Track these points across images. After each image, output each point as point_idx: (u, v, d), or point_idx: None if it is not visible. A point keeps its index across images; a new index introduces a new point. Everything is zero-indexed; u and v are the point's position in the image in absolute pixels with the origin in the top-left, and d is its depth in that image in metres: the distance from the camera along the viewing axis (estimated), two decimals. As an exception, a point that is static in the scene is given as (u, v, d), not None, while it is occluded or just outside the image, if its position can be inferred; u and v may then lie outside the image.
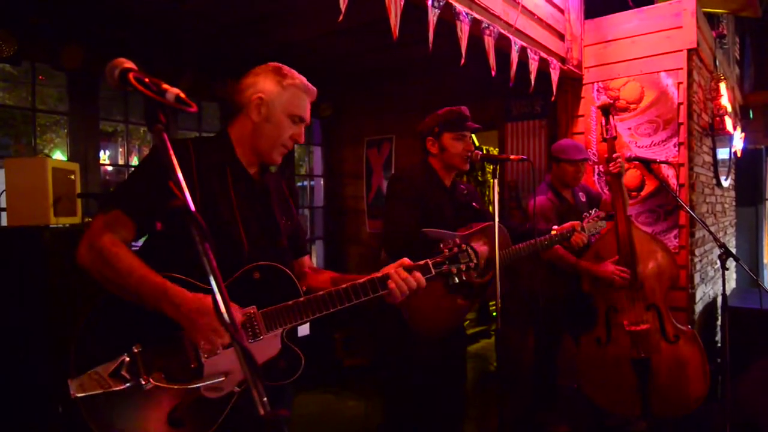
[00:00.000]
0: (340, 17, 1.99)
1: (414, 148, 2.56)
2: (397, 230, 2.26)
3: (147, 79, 0.91)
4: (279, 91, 1.48)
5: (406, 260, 1.51)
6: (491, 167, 2.32)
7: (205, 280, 1.20)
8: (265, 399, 0.77)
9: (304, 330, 4.95)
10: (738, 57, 5.80)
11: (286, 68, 1.54)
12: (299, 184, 5.99)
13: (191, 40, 3.86)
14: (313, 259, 5.68)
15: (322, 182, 5.72)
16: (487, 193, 5.62)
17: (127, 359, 1.22)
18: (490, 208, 2.31)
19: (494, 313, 5.91)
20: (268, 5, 3.32)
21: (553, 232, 2.57)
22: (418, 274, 1.49)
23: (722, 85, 4.07)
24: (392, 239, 2.29)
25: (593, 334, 2.98)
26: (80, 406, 1.22)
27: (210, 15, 3.45)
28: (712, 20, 4.47)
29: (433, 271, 1.52)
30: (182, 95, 0.89)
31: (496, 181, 2.17)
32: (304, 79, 1.54)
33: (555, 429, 3.20)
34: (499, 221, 2.11)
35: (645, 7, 3.71)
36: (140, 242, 1.46)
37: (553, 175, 3.17)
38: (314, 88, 1.56)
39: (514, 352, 4.06)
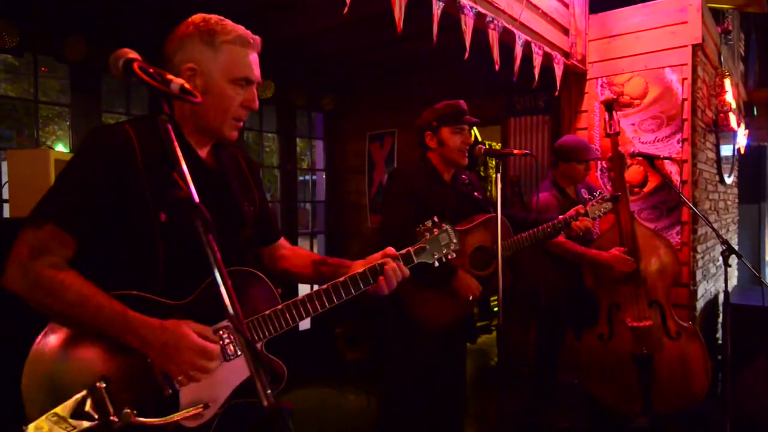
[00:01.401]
0: (345, 9, 1.98)
1: (416, 142, 2.56)
2: (394, 227, 2.26)
3: (152, 70, 0.90)
4: (211, 54, 1.22)
5: (390, 250, 1.42)
6: (494, 162, 2.32)
7: (166, 294, 1.16)
8: (269, 391, 0.76)
9: (304, 324, 4.96)
10: (743, 53, 5.77)
11: (214, 20, 1.25)
12: (301, 178, 5.98)
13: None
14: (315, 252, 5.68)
15: (324, 176, 5.72)
16: (489, 188, 5.61)
17: (90, 395, 1.05)
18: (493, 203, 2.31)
19: (495, 309, 5.91)
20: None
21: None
22: (401, 265, 1.40)
23: (727, 82, 4.05)
24: (390, 237, 2.29)
25: (596, 330, 2.99)
26: None
27: (213, 6, 3.43)
28: (718, 16, 4.45)
29: (415, 259, 1.44)
30: (187, 86, 0.88)
31: (498, 176, 2.16)
32: (240, 29, 1.27)
33: (555, 424, 3.21)
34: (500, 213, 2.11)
35: (650, 2, 3.69)
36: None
37: (559, 173, 3.14)
38: (257, 38, 1.30)
39: (515, 347, 4.06)
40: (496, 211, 2.10)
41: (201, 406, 1.14)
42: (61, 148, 7.39)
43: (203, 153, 1.32)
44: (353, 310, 5.00)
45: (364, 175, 5.39)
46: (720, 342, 4.06)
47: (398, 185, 2.36)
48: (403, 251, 1.43)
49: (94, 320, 1.07)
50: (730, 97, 4.07)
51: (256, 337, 1.23)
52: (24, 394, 1.08)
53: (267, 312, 1.25)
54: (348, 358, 4.54)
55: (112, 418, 1.04)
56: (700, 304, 3.74)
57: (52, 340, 1.12)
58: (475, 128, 2.50)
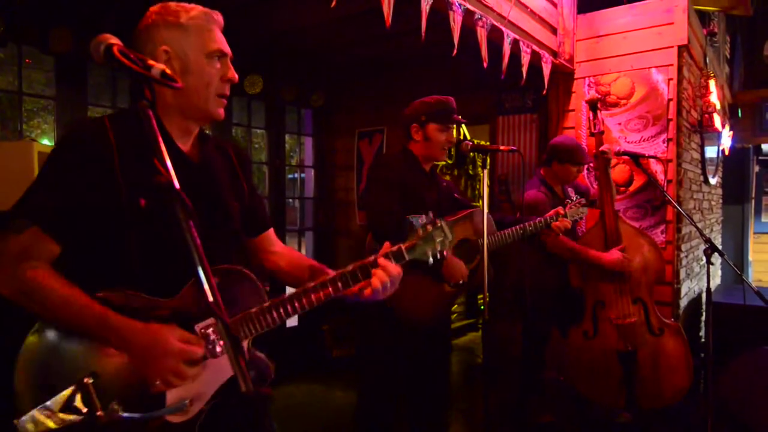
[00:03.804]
0: (333, 3, 1.97)
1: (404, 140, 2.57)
2: (383, 215, 2.26)
3: (132, 55, 0.90)
4: (182, 33, 1.22)
5: (387, 244, 1.38)
6: (481, 159, 2.34)
7: (155, 291, 1.15)
8: (247, 378, 0.76)
9: (292, 321, 4.95)
10: (728, 55, 5.85)
11: (172, 4, 1.25)
12: (290, 175, 5.96)
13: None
14: (303, 250, 5.66)
15: (312, 173, 5.70)
16: (477, 187, 5.63)
17: (79, 391, 1.07)
18: (480, 202, 2.32)
19: (482, 307, 5.94)
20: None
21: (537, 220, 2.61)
22: (390, 262, 1.34)
23: (712, 83, 4.10)
24: (379, 224, 2.29)
25: (581, 328, 3.02)
26: None
27: (204, 1, 3.41)
28: (704, 18, 4.50)
29: (407, 256, 1.36)
30: (168, 71, 0.88)
31: (486, 172, 2.17)
32: (200, 7, 1.27)
33: (540, 419, 3.24)
34: (487, 211, 2.12)
35: (637, 3, 3.73)
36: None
37: (551, 172, 3.14)
38: (218, 13, 1.29)
39: (501, 343, 4.08)
40: (482, 207, 2.11)
41: (187, 401, 1.14)
42: (46, 142, 7.30)
43: (186, 146, 1.30)
44: (340, 308, 5.00)
45: (353, 172, 5.38)
46: (703, 340, 4.11)
47: (383, 172, 2.37)
48: (395, 248, 1.37)
49: (77, 322, 1.09)
50: (714, 99, 4.12)
51: (243, 335, 1.21)
52: (15, 388, 1.11)
53: (254, 310, 1.23)
54: (335, 355, 4.54)
55: (98, 413, 1.06)
56: (683, 302, 3.78)
57: (42, 336, 1.14)
58: (464, 126, 2.51)
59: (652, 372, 2.89)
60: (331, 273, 1.32)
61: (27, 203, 1.12)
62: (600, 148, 2.97)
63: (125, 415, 1.07)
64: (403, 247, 1.36)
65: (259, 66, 4.71)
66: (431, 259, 1.39)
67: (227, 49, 1.28)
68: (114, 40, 0.93)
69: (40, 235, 1.09)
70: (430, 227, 1.40)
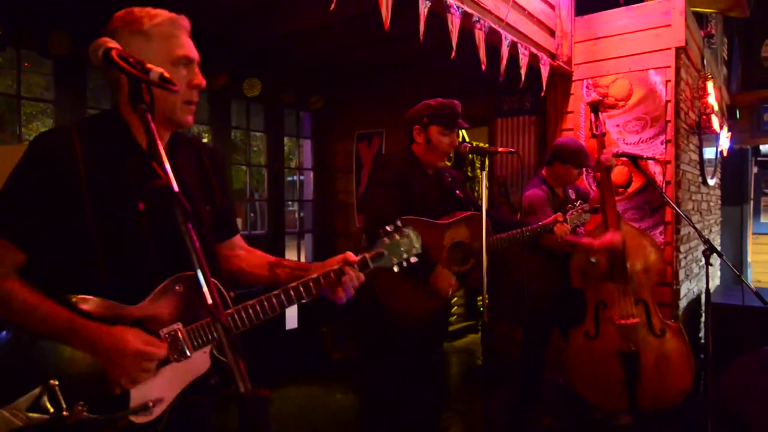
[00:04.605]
0: (332, 6, 1.98)
1: (404, 142, 2.57)
2: (378, 217, 2.27)
3: (131, 59, 0.90)
4: (144, 41, 1.19)
5: (349, 255, 1.40)
6: (479, 161, 2.35)
7: (122, 298, 1.18)
8: (246, 380, 0.76)
9: (291, 323, 4.95)
10: (726, 57, 5.86)
11: (137, 10, 1.22)
12: (289, 178, 5.96)
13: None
14: (302, 253, 5.66)
15: (311, 176, 5.71)
16: (476, 188, 5.63)
17: (46, 391, 1.12)
18: (479, 203, 2.32)
19: (482, 309, 5.93)
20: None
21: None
22: (354, 271, 1.37)
23: (709, 84, 4.11)
24: (372, 227, 2.30)
25: (582, 329, 3.01)
26: None
27: (201, 5, 3.42)
28: (701, 20, 4.51)
29: (371, 265, 1.41)
30: (166, 74, 0.88)
31: (484, 173, 2.18)
32: (165, 12, 1.24)
33: (539, 422, 3.23)
34: (485, 213, 2.12)
35: (635, 5, 3.74)
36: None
37: (552, 172, 3.14)
38: (184, 17, 1.26)
39: (502, 345, 4.08)
40: (480, 209, 2.11)
41: (151, 402, 1.18)
42: (45, 145, 7.29)
43: None
44: (340, 310, 4.99)
45: (352, 175, 5.39)
46: (703, 341, 4.11)
47: (383, 173, 2.37)
48: (359, 258, 1.40)
49: (43, 327, 1.12)
50: (712, 100, 4.13)
51: (202, 342, 1.23)
52: None
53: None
54: (335, 357, 4.54)
55: (64, 413, 1.11)
56: (683, 303, 3.78)
57: (11, 338, 1.18)
58: (462, 129, 2.51)
59: (654, 373, 2.89)
60: (288, 263, 1.38)
61: None
62: (600, 156, 2.95)
63: (90, 415, 1.11)
64: (367, 256, 1.41)
65: (258, 69, 4.71)
66: (396, 267, 1.44)
67: (194, 54, 1.26)
68: (113, 43, 0.93)
69: (6, 244, 1.14)
70: (396, 236, 1.43)
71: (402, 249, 1.43)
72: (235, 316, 1.26)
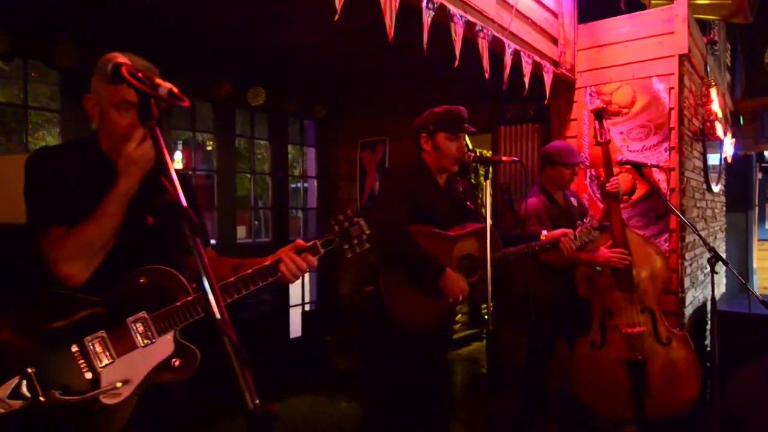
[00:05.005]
0: (336, 17, 2.00)
1: (408, 150, 2.57)
2: (387, 228, 2.27)
3: (140, 74, 0.91)
4: (102, 83, 1.35)
5: (300, 242, 1.53)
6: (483, 170, 2.35)
7: (93, 289, 1.30)
8: (254, 394, 0.76)
9: (295, 332, 4.94)
10: (729, 63, 5.87)
11: (110, 54, 1.24)
12: (292, 185, 5.98)
13: (187, 41, 3.86)
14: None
15: (315, 184, 5.72)
16: (480, 195, 5.63)
17: (24, 379, 1.23)
18: (483, 211, 2.33)
19: (486, 317, 5.92)
20: (265, 8, 3.32)
21: (542, 238, 2.59)
22: (308, 256, 1.51)
23: (713, 91, 4.11)
24: (383, 235, 2.29)
25: (588, 338, 3.00)
26: None
27: (207, 16, 3.45)
28: (704, 26, 4.52)
29: (321, 251, 1.53)
30: (175, 90, 0.89)
31: (488, 182, 2.18)
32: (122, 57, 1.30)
33: (543, 430, 3.21)
34: (491, 224, 2.12)
35: (638, 13, 3.75)
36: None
37: (547, 178, 3.16)
38: (141, 62, 1.37)
39: (506, 354, 4.06)
40: (486, 220, 2.11)
41: (119, 383, 1.29)
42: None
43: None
44: (343, 319, 4.98)
45: (355, 183, 5.40)
46: (708, 349, 4.09)
47: (392, 184, 2.37)
48: (310, 243, 1.53)
49: (109, 215, 1.31)
50: (716, 107, 4.13)
51: (165, 327, 1.35)
52: None
53: (179, 303, 1.37)
54: (339, 367, 4.52)
55: (40, 398, 1.22)
56: (688, 311, 3.77)
57: None
58: (466, 137, 2.52)
59: (661, 382, 2.87)
60: (250, 262, 1.50)
61: (36, 211, 1.35)
62: (607, 187, 2.96)
63: (63, 398, 1.23)
64: (318, 242, 1.54)
65: (263, 78, 4.74)
66: (349, 253, 1.56)
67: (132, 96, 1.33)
68: (122, 58, 0.94)
69: (60, 229, 1.30)
70: (346, 224, 1.55)
71: (353, 236, 1.56)
72: (203, 300, 1.36)
